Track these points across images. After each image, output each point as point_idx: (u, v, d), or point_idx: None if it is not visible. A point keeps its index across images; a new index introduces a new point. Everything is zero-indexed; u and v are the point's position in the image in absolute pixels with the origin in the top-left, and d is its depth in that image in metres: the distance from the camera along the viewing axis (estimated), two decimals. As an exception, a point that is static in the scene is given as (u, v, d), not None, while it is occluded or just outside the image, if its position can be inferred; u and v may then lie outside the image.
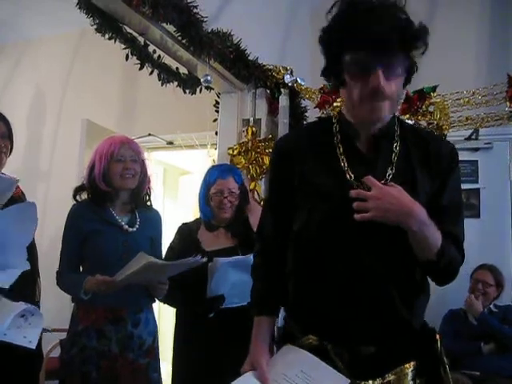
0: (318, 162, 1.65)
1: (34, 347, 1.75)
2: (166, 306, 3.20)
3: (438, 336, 1.64)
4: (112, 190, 2.70)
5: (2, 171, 2.65)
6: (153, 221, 2.85)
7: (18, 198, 2.81)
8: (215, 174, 3.08)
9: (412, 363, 1.58)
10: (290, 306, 1.72)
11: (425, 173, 1.62)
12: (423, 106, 3.92)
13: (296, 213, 1.67)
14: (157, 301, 2.85)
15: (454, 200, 1.66)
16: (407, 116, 3.85)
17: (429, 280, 1.66)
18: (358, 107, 1.56)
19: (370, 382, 1.55)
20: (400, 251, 1.55)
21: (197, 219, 3.22)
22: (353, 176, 1.59)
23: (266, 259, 1.79)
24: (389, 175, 1.59)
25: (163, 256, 2.93)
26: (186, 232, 3.11)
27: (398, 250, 1.56)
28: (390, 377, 1.55)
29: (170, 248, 3.08)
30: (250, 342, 1.71)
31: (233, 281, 2.79)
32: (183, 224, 3.22)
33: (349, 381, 1.50)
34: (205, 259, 2.56)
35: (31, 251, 2.39)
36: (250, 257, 2.75)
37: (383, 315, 1.57)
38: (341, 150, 1.64)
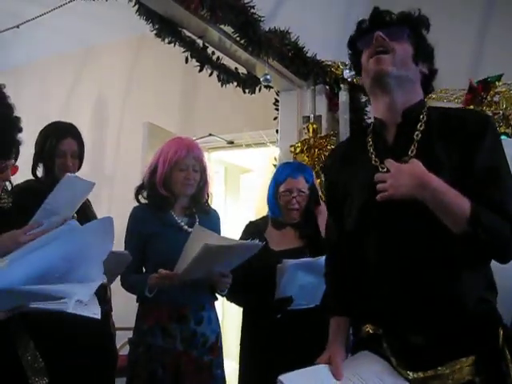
0: (354, 161, 1.79)
1: (99, 317, 1.79)
2: (230, 305, 3.21)
3: (500, 329, 1.56)
4: (171, 195, 2.75)
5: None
6: (211, 220, 2.86)
7: (83, 202, 2.86)
8: (286, 172, 3.04)
9: (470, 358, 1.52)
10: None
11: (444, 144, 1.62)
12: (488, 96, 3.82)
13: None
14: (220, 301, 2.85)
15: (490, 162, 1.57)
16: (472, 107, 3.75)
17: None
18: (367, 67, 1.71)
19: (421, 373, 1.53)
20: (436, 231, 1.54)
21: (264, 217, 3.18)
22: (378, 162, 1.69)
23: (333, 265, 1.89)
24: (410, 153, 1.64)
25: None
26: (252, 230, 3.06)
27: (433, 229, 1.54)
28: (444, 370, 1.52)
29: None
30: (315, 343, 1.77)
31: (301, 283, 2.77)
32: (250, 222, 3.19)
33: None
34: (263, 243, 2.56)
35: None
36: (320, 259, 2.74)
37: (426, 301, 1.56)
38: (370, 143, 1.76)
